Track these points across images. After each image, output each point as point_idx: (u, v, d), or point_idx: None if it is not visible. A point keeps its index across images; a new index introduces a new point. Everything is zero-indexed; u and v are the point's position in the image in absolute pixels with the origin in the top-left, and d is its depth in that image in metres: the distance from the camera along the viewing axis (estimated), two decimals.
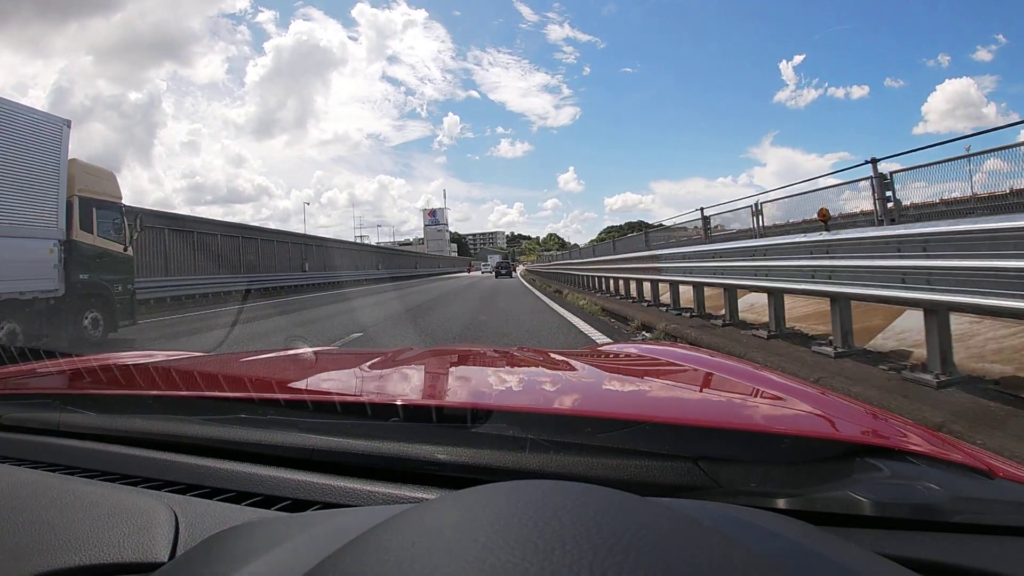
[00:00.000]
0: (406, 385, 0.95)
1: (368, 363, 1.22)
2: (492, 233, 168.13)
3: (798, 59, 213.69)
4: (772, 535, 0.38)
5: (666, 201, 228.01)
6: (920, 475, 0.48)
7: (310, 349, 1.15)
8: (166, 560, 0.45)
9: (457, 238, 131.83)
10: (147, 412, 0.75)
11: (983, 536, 0.44)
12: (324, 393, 0.77)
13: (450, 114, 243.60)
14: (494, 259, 74.97)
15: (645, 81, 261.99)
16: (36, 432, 0.76)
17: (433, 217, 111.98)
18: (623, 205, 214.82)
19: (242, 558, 0.37)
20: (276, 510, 0.55)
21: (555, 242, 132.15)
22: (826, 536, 0.40)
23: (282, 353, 1.30)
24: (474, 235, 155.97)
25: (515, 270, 50.01)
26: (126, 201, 8.49)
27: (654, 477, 0.52)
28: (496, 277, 35.63)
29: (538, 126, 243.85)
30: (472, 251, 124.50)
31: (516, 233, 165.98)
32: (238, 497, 0.57)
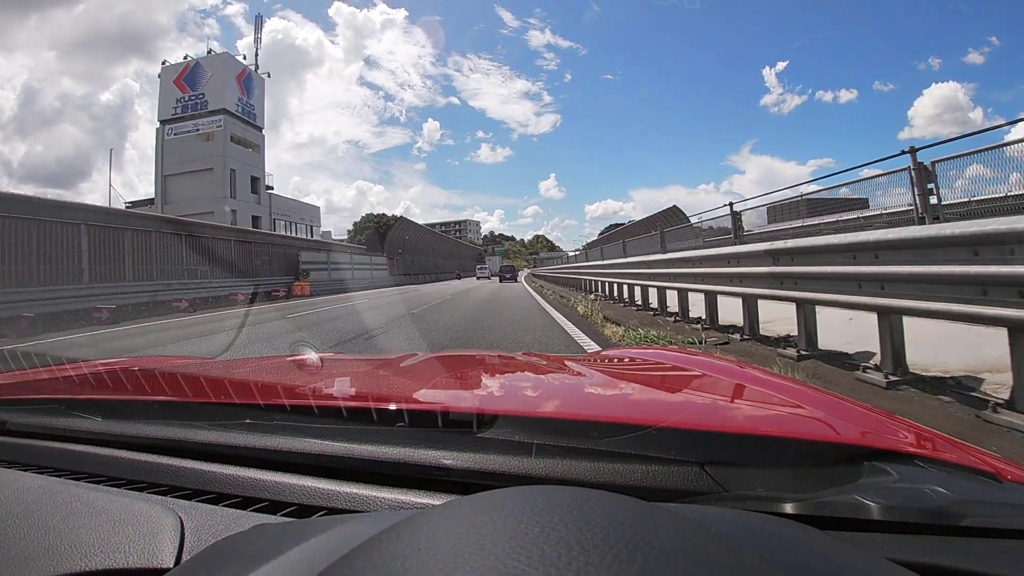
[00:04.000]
0: (412, 390, 0.95)
1: (373, 368, 1.22)
2: (462, 222, 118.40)
3: (781, 65, 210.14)
4: (780, 540, 0.37)
5: (646, 208, 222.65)
6: (927, 479, 0.48)
7: (315, 354, 1.15)
8: (172, 566, 0.46)
9: (378, 225, 62.01)
10: (153, 417, 0.75)
11: (991, 540, 0.43)
12: (330, 398, 0.77)
13: (430, 120, 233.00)
14: (494, 262, 61.14)
15: (626, 88, 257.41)
16: (42, 437, 0.77)
17: (192, 91, 35.67)
18: (604, 212, 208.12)
19: (247, 564, 0.37)
20: (282, 516, 0.55)
21: (543, 244, 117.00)
22: (834, 541, 0.40)
23: (287, 358, 1.30)
24: (434, 224, 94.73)
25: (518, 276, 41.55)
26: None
27: (660, 482, 0.52)
28: (501, 281, 33.58)
29: (519, 133, 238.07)
30: (400, 248, 43.78)
31: (498, 233, 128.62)
32: (244, 503, 0.57)
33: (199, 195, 34.29)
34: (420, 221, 68.39)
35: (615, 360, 1.36)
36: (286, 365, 1.24)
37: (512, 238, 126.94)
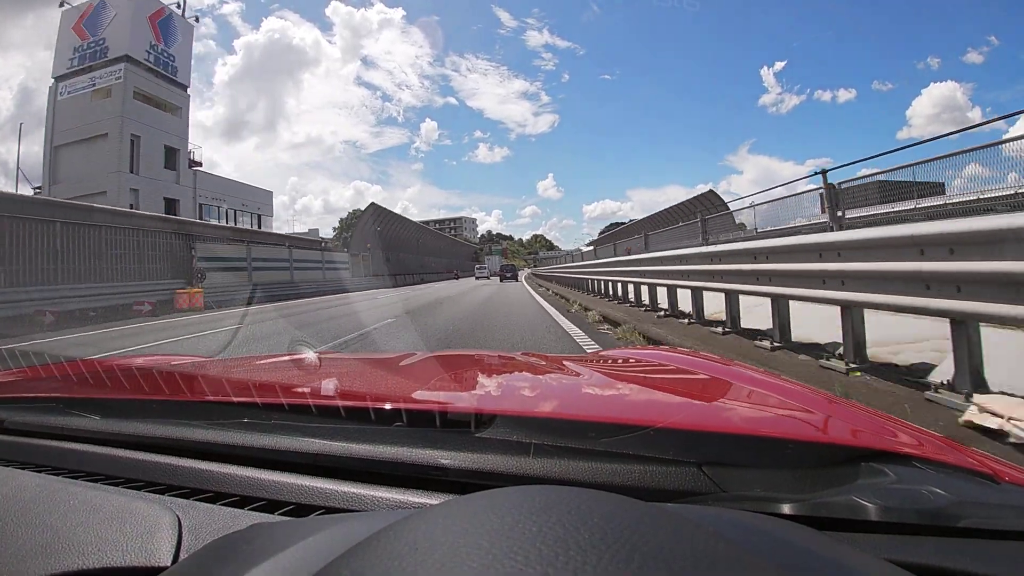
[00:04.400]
0: (410, 389, 0.94)
1: (372, 367, 1.22)
2: (457, 219, 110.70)
3: (779, 65, 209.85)
4: (777, 541, 0.37)
5: (645, 208, 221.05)
6: (925, 480, 0.48)
7: (314, 353, 1.15)
8: (169, 564, 0.46)
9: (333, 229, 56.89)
10: (151, 416, 0.75)
11: (988, 541, 0.44)
12: (328, 397, 0.77)
13: (428, 120, 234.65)
14: (494, 261, 58.91)
15: (623, 88, 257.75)
16: (40, 435, 0.77)
17: (92, 37, 26.46)
18: (602, 212, 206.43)
19: (245, 563, 0.37)
20: (280, 515, 0.55)
21: (541, 244, 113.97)
22: (831, 541, 0.40)
23: (286, 357, 1.30)
24: (428, 221, 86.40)
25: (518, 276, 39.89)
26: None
27: (658, 482, 0.52)
28: (501, 280, 32.64)
29: (517, 133, 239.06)
30: (370, 243, 34.47)
31: (495, 232, 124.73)
32: (241, 502, 0.57)
33: (91, 169, 24.83)
34: (417, 220, 59.34)
35: (614, 360, 1.36)
36: (284, 364, 1.24)
37: (510, 237, 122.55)
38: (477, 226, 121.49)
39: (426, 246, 51.37)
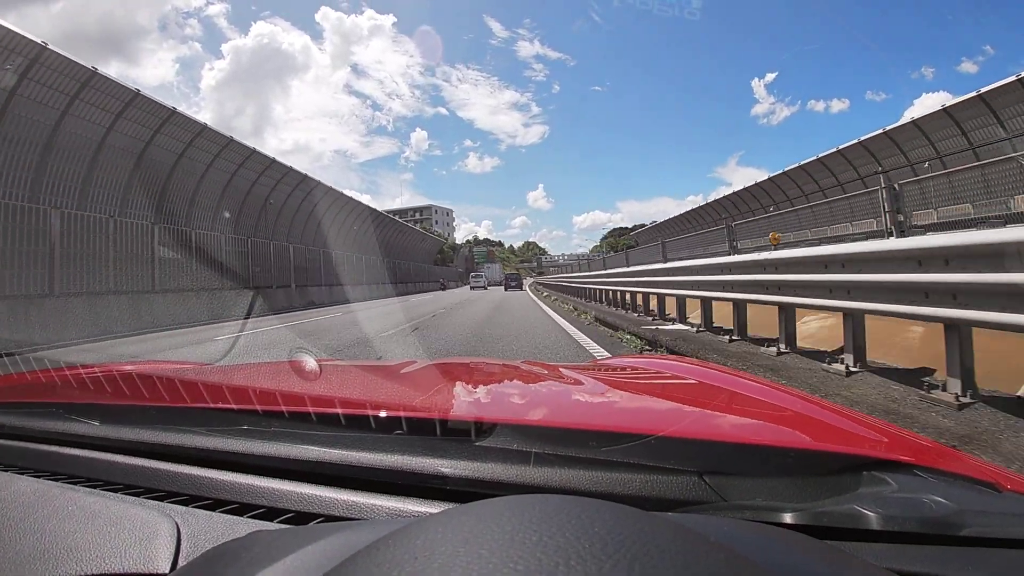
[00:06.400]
0: (410, 398, 0.94)
1: (372, 375, 1.22)
2: (425, 208, 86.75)
3: (771, 76, 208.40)
4: (778, 550, 0.37)
5: (634, 219, 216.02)
6: (927, 488, 0.48)
7: (315, 360, 1.15)
8: (167, 572, 0.45)
9: None
10: (151, 423, 0.75)
11: (991, 549, 0.43)
12: (328, 405, 0.77)
13: (418, 129, 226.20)
14: (494, 270, 56.30)
15: (614, 100, 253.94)
16: (39, 441, 0.76)
17: None
18: (592, 224, 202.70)
19: (243, 570, 0.37)
20: (279, 523, 0.54)
21: (535, 251, 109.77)
22: (832, 551, 0.40)
23: (286, 364, 1.30)
24: (395, 211, 64.13)
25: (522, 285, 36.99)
26: None
27: (659, 491, 0.52)
28: (506, 289, 31.88)
29: (507, 144, 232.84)
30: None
31: (483, 237, 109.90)
32: (241, 509, 0.57)
33: None
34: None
35: (615, 369, 1.36)
36: (284, 371, 1.24)
37: (500, 243, 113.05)
38: (454, 219, 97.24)
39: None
